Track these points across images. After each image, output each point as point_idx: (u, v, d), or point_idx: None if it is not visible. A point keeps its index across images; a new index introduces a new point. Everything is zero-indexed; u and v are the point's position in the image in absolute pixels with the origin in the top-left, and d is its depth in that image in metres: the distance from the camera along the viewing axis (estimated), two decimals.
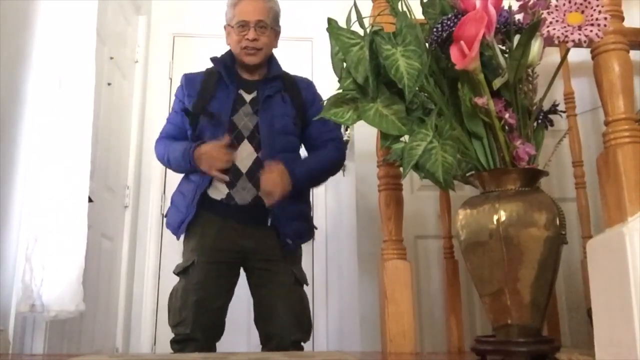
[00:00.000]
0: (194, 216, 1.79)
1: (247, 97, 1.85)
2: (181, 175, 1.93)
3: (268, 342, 1.79)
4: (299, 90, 1.92)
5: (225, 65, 1.89)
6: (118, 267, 2.89)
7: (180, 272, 1.80)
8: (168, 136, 1.93)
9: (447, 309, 1.70)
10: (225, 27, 1.92)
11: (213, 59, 1.93)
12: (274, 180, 1.72)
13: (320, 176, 1.94)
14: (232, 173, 1.77)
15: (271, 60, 1.93)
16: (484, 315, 1.33)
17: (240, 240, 1.78)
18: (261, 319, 1.81)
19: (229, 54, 1.93)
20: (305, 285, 1.87)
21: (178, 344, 1.74)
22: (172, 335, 1.78)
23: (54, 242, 1.83)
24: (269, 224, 1.78)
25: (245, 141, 1.80)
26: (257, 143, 1.80)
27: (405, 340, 1.47)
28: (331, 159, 1.91)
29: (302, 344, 1.81)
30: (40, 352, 1.91)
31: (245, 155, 1.79)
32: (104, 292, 2.64)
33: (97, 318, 2.54)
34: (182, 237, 1.88)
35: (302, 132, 1.91)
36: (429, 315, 2.36)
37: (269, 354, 1.61)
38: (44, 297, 1.76)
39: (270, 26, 1.87)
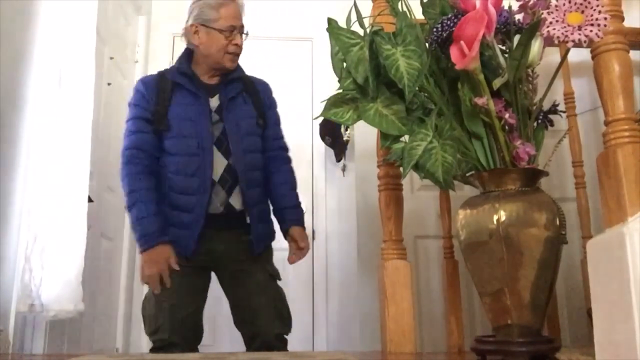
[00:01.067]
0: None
1: (212, 104, 1.80)
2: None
3: (252, 341, 1.78)
4: (257, 91, 1.89)
5: (187, 75, 1.80)
6: (118, 267, 2.89)
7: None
8: (141, 148, 1.73)
9: (447, 309, 1.70)
10: (193, 26, 1.79)
11: (172, 73, 1.82)
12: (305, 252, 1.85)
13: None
14: (209, 181, 1.73)
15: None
16: (484, 315, 1.32)
17: (210, 244, 1.75)
18: (242, 320, 1.81)
19: (185, 60, 1.83)
20: (279, 280, 1.87)
21: (158, 352, 1.70)
22: None
23: (54, 242, 1.83)
24: (247, 222, 1.79)
25: (215, 149, 1.75)
26: (225, 149, 1.76)
27: (405, 340, 1.48)
28: (294, 180, 1.99)
29: (285, 336, 1.81)
30: (40, 352, 1.91)
31: (216, 163, 1.74)
32: (103, 292, 2.63)
33: (97, 318, 2.54)
34: None
35: (263, 126, 1.88)
36: (429, 315, 2.36)
37: (268, 354, 1.61)
38: (43, 296, 1.76)
39: (245, 32, 1.84)
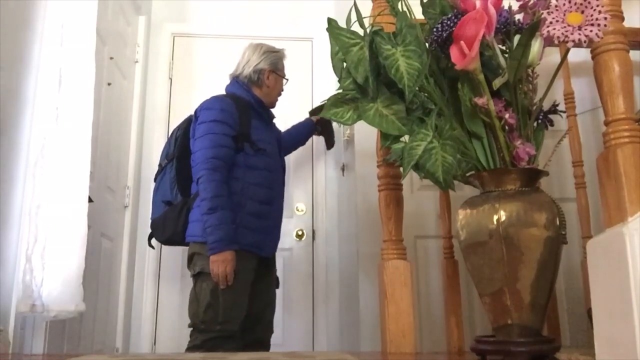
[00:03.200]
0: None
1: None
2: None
3: (253, 329, 2.01)
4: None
5: (261, 104, 2.16)
6: (118, 267, 2.89)
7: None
8: (227, 160, 1.97)
9: (447, 309, 1.70)
10: (269, 72, 2.18)
11: (249, 100, 2.13)
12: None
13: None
14: (279, 195, 2.16)
15: None
16: (484, 315, 1.32)
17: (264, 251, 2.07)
18: (247, 316, 1.98)
19: (249, 91, 2.15)
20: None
21: (214, 341, 1.86)
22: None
23: (54, 242, 1.83)
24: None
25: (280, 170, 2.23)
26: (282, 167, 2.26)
27: (405, 340, 1.48)
28: None
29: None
30: (40, 352, 1.91)
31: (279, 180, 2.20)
32: (104, 292, 2.63)
33: (97, 318, 2.54)
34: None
35: None
36: (429, 315, 2.36)
37: (268, 353, 1.62)
38: (44, 297, 1.76)
39: None
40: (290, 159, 2.79)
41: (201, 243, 1.95)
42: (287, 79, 2.26)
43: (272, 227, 2.07)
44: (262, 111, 2.16)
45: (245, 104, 2.08)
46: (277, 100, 2.25)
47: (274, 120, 2.31)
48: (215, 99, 2.07)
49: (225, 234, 1.88)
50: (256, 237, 1.99)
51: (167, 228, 2.04)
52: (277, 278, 2.19)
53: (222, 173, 1.94)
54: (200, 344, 1.86)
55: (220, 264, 1.87)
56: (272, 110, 2.29)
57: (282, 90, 2.25)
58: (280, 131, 2.37)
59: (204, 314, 1.89)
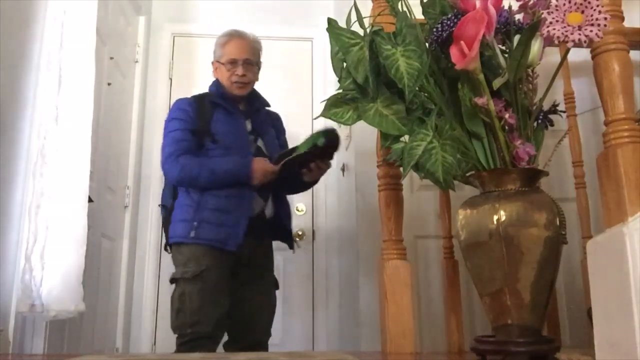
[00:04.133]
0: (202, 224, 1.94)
1: (248, 126, 2.10)
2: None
3: (241, 338, 1.97)
4: (274, 119, 2.25)
5: (222, 96, 2.09)
6: (118, 267, 2.89)
7: (195, 276, 1.88)
8: (189, 152, 1.97)
9: (447, 309, 1.70)
10: (213, 63, 2.16)
11: (211, 95, 2.10)
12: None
13: None
14: (251, 188, 1.97)
15: (255, 94, 2.18)
16: (484, 315, 1.32)
17: (243, 249, 1.94)
18: (239, 319, 1.97)
19: (218, 86, 2.12)
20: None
21: (190, 344, 1.82)
22: (172, 335, 1.84)
23: (54, 242, 1.83)
24: (272, 230, 2.05)
25: None
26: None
27: (405, 340, 1.47)
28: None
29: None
30: (40, 352, 1.91)
31: None
32: (104, 292, 2.63)
33: (97, 318, 2.54)
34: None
35: None
36: (429, 315, 2.36)
37: (268, 353, 1.61)
38: (43, 297, 1.76)
39: (254, 63, 2.13)
40: None
41: (177, 244, 1.94)
42: (233, 62, 2.06)
43: (237, 221, 1.92)
44: (226, 104, 2.07)
45: (208, 100, 2.07)
46: (234, 87, 2.07)
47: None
48: (176, 100, 2.13)
49: (232, 165, 1.92)
50: (219, 232, 1.90)
51: (165, 232, 2.05)
52: (275, 281, 2.11)
53: (188, 156, 1.95)
54: (177, 350, 1.84)
55: (259, 174, 1.91)
56: (276, 107, 2.25)
57: (239, 75, 2.06)
58: (275, 130, 2.20)
59: (175, 319, 1.87)
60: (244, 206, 1.94)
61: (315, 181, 2.08)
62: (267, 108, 2.23)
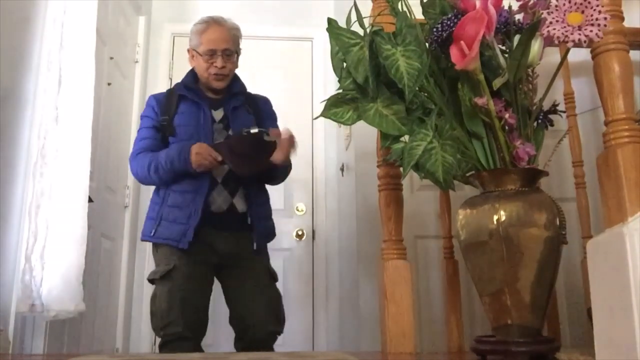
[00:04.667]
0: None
1: (216, 116, 1.97)
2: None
3: (243, 334, 1.89)
4: (257, 104, 2.08)
5: (188, 87, 1.99)
6: (118, 267, 2.89)
7: (163, 276, 1.83)
8: (148, 149, 1.93)
9: (447, 309, 1.70)
10: (189, 51, 2.01)
11: (179, 87, 2.02)
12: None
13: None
14: (208, 182, 1.88)
15: (234, 78, 2.05)
16: (484, 315, 1.32)
17: (216, 244, 1.89)
18: (237, 316, 1.91)
19: (192, 75, 2.03)
20: (276, 282, 1.99)
21: (168, 346, 1.78)
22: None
23: (54, 242, 1.83)
24: (248, 222, 1.92)
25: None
26: None
27: (405, 340, 1.47)
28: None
29: (277, 335, 1.93)
30: (40, 352, 1.91)
31: (220, 166, 1.89)
32: (104, 292, 2.64)
33: (97, 318, 2.54)
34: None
35: None
36: (429, 315, 2.36)
37: (268, 353, 1.61)
38: (43, 297, 1.76)
39: (234, 51, 2.00)
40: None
41: (152, 244, 1.93)
42: (212, 53, 1.94)
43: (189, 217, 1.84)
44: (191, 94, 1.97)
45: (173, 93, 2.01)
46: (211, 79, 1.96)
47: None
48: (151, 95, 2.10)
49: (174, 152, 1.84)
50: (172, 230, 1.84)
51: None
52: (267, 270, 1.94)
53: (144, 153, 1.92)
54: (160, 352, 1.82)
55: (199, 157, 1.80)
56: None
57: (218, 67, 1.94)
58: (258, 115, 2.04)
59: (150, 322, 1.84)
60: (197, 201, 1.84)
61: (284, 169, 1.99)
62: (254, 93, 2.10)
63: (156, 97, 2.03)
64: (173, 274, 1.81)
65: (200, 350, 1.84)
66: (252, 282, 1.90)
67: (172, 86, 2.11)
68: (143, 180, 1.96)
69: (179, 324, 1.76)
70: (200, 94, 1.99)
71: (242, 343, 1.89)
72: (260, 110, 2.07)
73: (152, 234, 1.88)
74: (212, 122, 1.95)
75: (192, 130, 1.92)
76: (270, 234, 2.03)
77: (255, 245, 1.93)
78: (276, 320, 1.91)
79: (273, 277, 1.97)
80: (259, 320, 1.86)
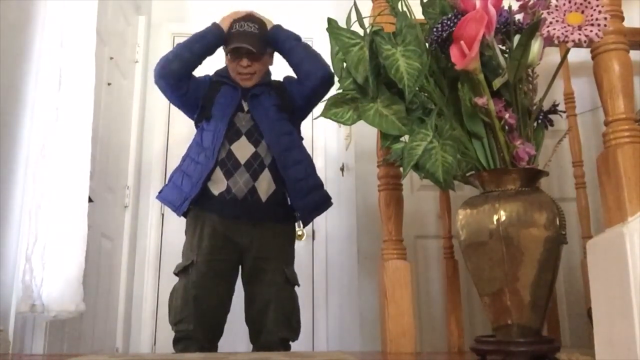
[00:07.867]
0: (193, 211, 1.88)
1: (245, 105, 1.96)
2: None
3: (255, 339, 1.85)
4: (280, 85, 2.03)
5: (225, 76, 2.01)
6: (118, 267, 2.89)
7: (180, 271, 1.84)
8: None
9: (447, 309, 1.70)
10: (224, 49, 2.03)
11: (219, 73, 2.05)
12: None
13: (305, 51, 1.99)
14: (231, 164, 1.84)
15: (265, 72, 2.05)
16: (484, 315, 1.32)
17: (235, 237, 1.84)
18: (251, 317, 1.87)
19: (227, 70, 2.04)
20: (297, 287, 1.93)
21: (180, 343, 1.78)
22: (172, 335, 1.82)
23: (54, 242, 1.83)
24: (274, 213, 1.87)
25: (243, 137, 1.89)
26: (254, 139, 1.89)
27: (405, 340, 1.48)
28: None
29: (290, 342, 1.88)
30: (40, 352, 1.91)
31: (244, 148, 1.87)
32: (104, 292, 2.63)
33: (97, 318, 2.54)
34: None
35: (293, 107, 2.00)
36: (429, 315, 2.36)
37: (268, 353, 1.61)
38: (44, 297, 1.76)
39: (260, 52, 1.95)
40: None
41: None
42: (230, 52, 1.95)
43: (192, 186, 1.84)
44: (229, 80, 1.99)
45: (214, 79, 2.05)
46: (239, 79, 1.96)
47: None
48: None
49: (203, 32, 2.00)
50: (175, 195, 1.90)
51: None
52: (283, 272, 1.86)
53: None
54: (173, 346, 1.81)
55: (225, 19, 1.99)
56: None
57: (243, 66, 1.93)
58: (281, 99, 2.00)
59: (168, 316, 1.84)
60: (203, 173, 1.82)
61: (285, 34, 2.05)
62: (273, 80, 2.06)
63: (211, 77, 2.05)
64: (190, 270, 1.80)
65: (215, 350, 1.82)
66: (267, 283, 1.84)
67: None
68: (161, 69, 1.95)
69: (190, 322, 1.75)
70: (233, 81, 2.00)
71: (255, 347, 1.86)
72: (283, 87, 2.01)
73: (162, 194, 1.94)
74: (242, 110, 1.94)
75: (219, 108, 1.92)
76: (319, 205, 2.01)
77: (304, 220, 1.97)
78: (289, 327, 1.85)
79: (289, 280, 1.88)
80: (271, 324, 1.80)
